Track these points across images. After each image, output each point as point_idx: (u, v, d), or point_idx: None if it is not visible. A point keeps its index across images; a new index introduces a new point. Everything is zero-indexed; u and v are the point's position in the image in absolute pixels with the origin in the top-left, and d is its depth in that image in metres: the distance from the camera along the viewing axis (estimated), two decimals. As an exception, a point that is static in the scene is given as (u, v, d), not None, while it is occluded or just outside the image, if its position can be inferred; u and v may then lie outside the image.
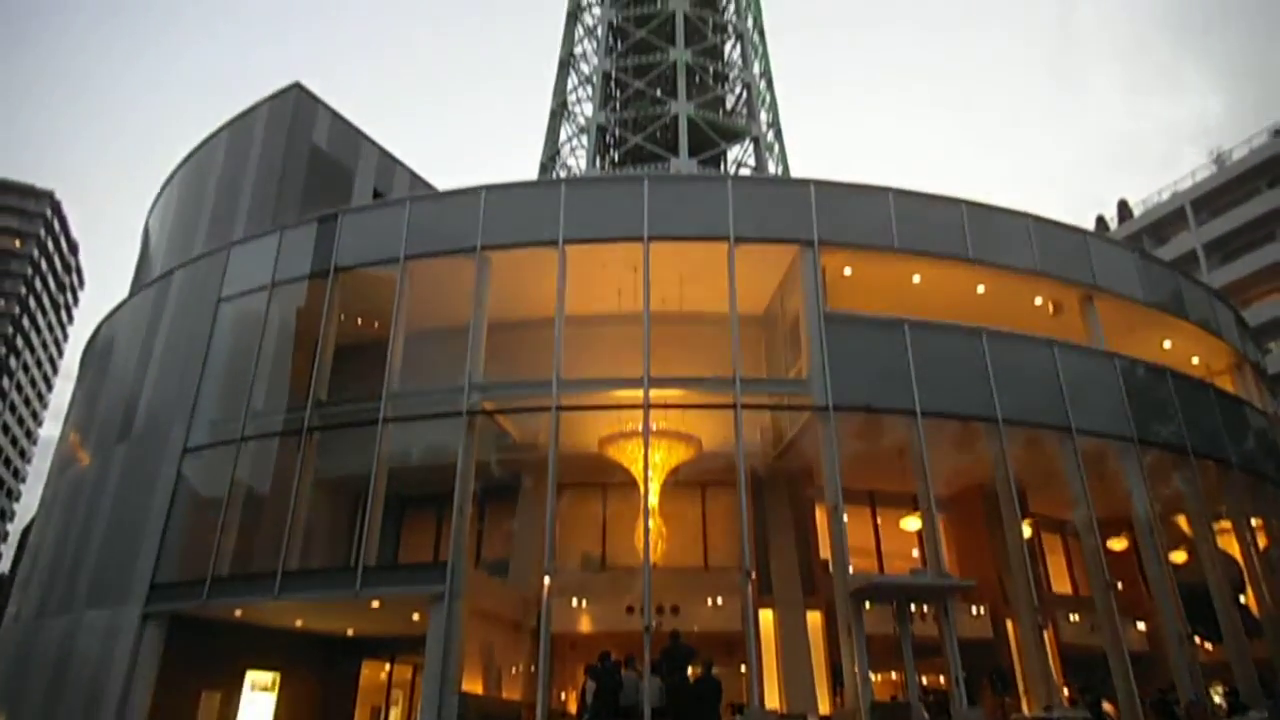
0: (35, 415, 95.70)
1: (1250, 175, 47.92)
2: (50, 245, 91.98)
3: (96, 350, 22.46)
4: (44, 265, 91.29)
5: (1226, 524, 19.09)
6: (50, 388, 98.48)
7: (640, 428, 14.88)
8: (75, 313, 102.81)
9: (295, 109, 23.29)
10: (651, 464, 15.22)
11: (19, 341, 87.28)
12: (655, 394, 14.73)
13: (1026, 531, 16.45)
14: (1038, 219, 18.27)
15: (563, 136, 48.24)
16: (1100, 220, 57.15)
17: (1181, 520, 19.13)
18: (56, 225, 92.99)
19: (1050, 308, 18.26)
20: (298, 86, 23.72)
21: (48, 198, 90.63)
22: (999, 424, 15.33)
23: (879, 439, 15.71)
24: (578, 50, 50.05)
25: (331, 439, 16.09)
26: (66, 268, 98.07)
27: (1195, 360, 21.07)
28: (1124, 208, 56.44)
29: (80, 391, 22.79)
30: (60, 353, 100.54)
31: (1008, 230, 17.90)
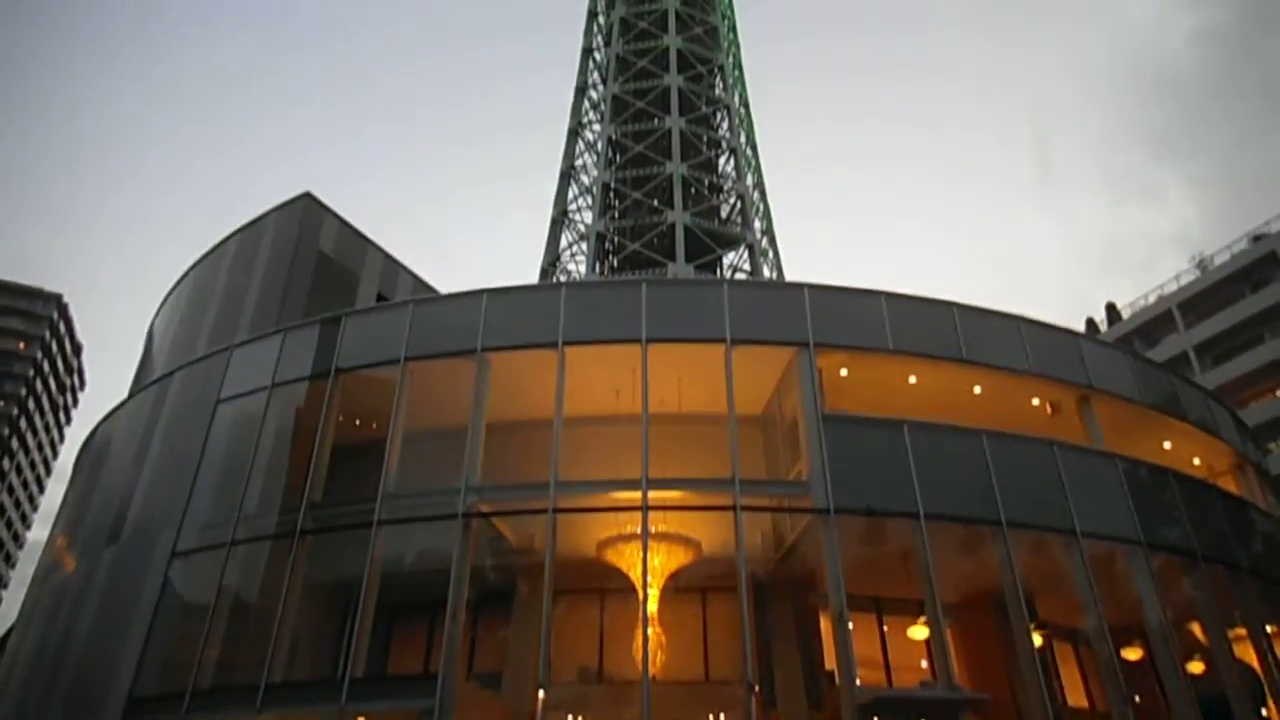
0: (25, 518, 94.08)
1: (1233, 279, 49.10)
2: (54, 347, 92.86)
3: (91, 452, 22.33)
4: (46, 367, 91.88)
5: (1242, 631, 18.51)
6: (42, 490, 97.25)
7: (639, 530, 14.64)
8: (74, 414, 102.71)
9: (304, 217, 24.05)
10: (651, 568, 14.88)
11: (14, 443, 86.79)
12: (654, 495, 14.58)
13: (1038, 641, 15.92)
14: (1028, 321, 18.59)
15: (563, 243, 49.63)
16: (1090, 322, 58.11)
17: (1196, 628, 18.55)
18: (62, 328, 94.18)
19: (1048, 408, 18.31)
20: (308, 196, 24.57)
21: (55, 300, 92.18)
22: (1003, 527, 15.10)
23: (883, 543, 15.44)
24: (579, 163, 52.14)
25: (323, 543, 15.78)
26: (68, 369, 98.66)
27: (1197, 461, 20.96)
28: (1112, 310, 57.54)
29: (71, 494, 22.50)
30: (55, 455, 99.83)
31: (999, 332, 18.18)
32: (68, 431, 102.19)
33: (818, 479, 14.94)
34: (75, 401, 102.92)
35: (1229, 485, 20.89)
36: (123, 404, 22.01)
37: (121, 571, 17.06)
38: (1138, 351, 30.84)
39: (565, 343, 16.15)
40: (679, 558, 15.80)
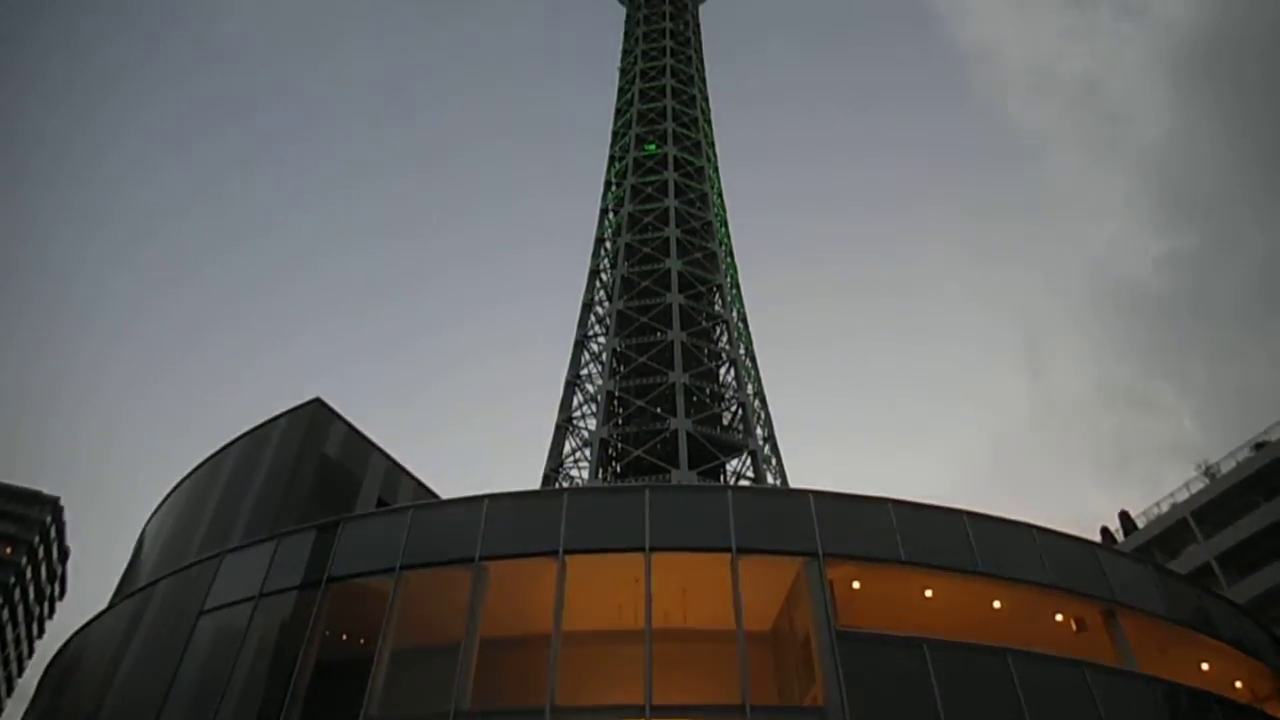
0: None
1: (1245, 486, 48.62)
2: (41, 552, 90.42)
3: (57, 671, 20.96)
4: (29, 574, 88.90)
5: None
6: (1, 710, 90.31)
7: (641, 764, 13.33)
8: (48, 625, 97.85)
9: (312, 422, 24.34)
10: (654, 810, 13.38)
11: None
12: (658, 723, 13.43)
13: None
14: (1042, 530, 18.12)
15: (567, 449, 49.93)
16: (1106, 532, 56.78)
17: None
18: (53, 532, 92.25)
19: (1073, 624, 17.36)
20: (317, 401, 25.03)
21: (51, 504, 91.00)
22: (1040, 761, 13.75)
23: (909, 779, 13.99)
24: (584, 372, 53.73)
25: (295, 776, 14.33)
26: (51, 576, 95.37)
27: (1238, 684, 19.51)
28: (1126, 519, 56.43)
29: (32, 716, 20.83)
30: (20, 671, 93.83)
31: (1013, 542, 17.66)
32: (39, 645, 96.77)
33: (834, 706, 13.83)
34: (52, 612, 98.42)
35: (1275, 710, 19.29)
36: (99, 616, 20.97)
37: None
38: (1159, 563, 29.84)
39: (566, 551, 15.68)
40: (686, 797, 14.28)
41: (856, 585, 16.21)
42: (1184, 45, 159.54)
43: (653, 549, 15.54)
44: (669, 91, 65.30)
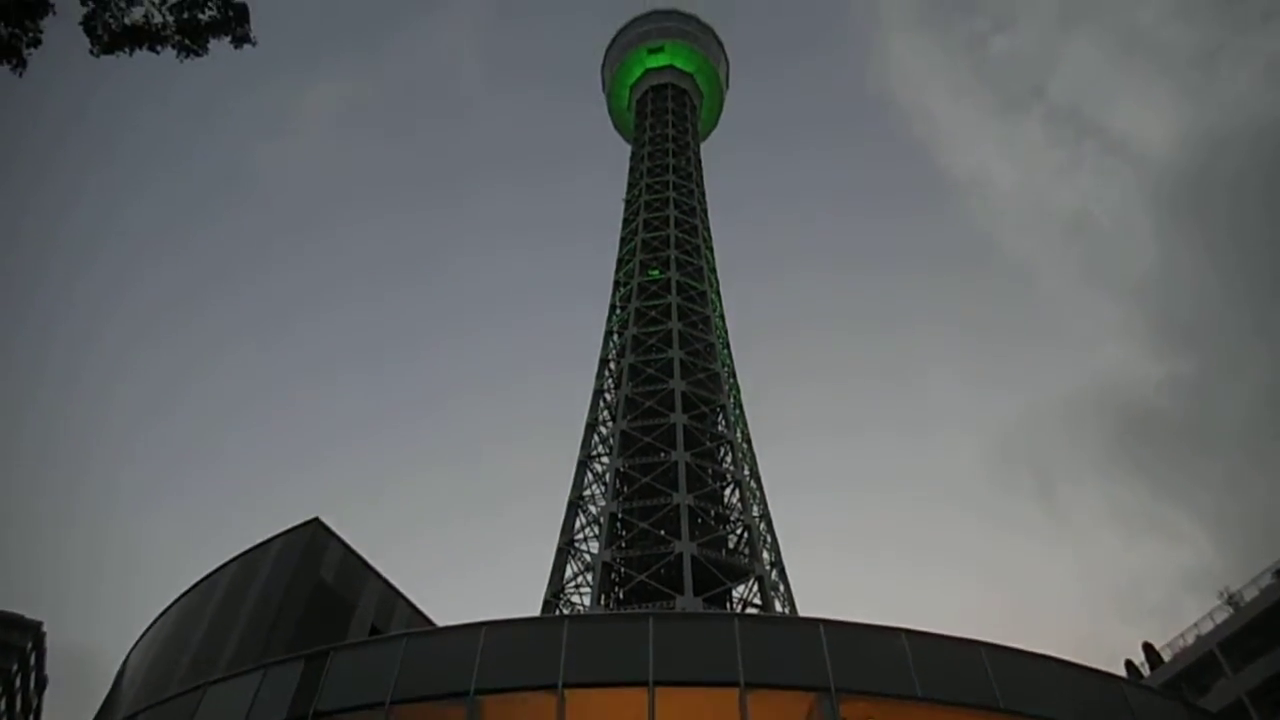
0: None
1: (1271, 615, 46.73)
2: (18, 683, 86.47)
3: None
4: (3, 704, 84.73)
5: None
6: None
7: None
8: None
9: (309, 543, 23.87)
10: None
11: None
12: None
13: None
14: (1063, 663, 17.32)
15: (568, 573, 48.65)
16: (1130, 665, 54.18)
17: None
18: (33, 659, 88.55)
19: (1104, 769, 16.30)
20: (316, 522, 24.63)
21: (33, 630, 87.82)
22: None
23: None
24: (586, 493, 53.11)
25: None
26: (26, 708, 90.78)
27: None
28: (1150, 651, 54.00)
29: None
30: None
31: (1035, 676, 16.84)
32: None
33: None
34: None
35: None
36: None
37: None
38: (1189, 700, 28.31)
39: (566, 685, 14.97)
40: None
41: (872, 723, 15.36)
42: (1164, 182, 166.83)
43: (656, 682, 14.85)
44: (672, 221, 67.93)
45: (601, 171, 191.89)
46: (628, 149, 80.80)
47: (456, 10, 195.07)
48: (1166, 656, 52.34)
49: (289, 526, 24.80)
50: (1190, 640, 50.92)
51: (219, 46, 10.44)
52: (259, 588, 22.94)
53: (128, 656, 25.78)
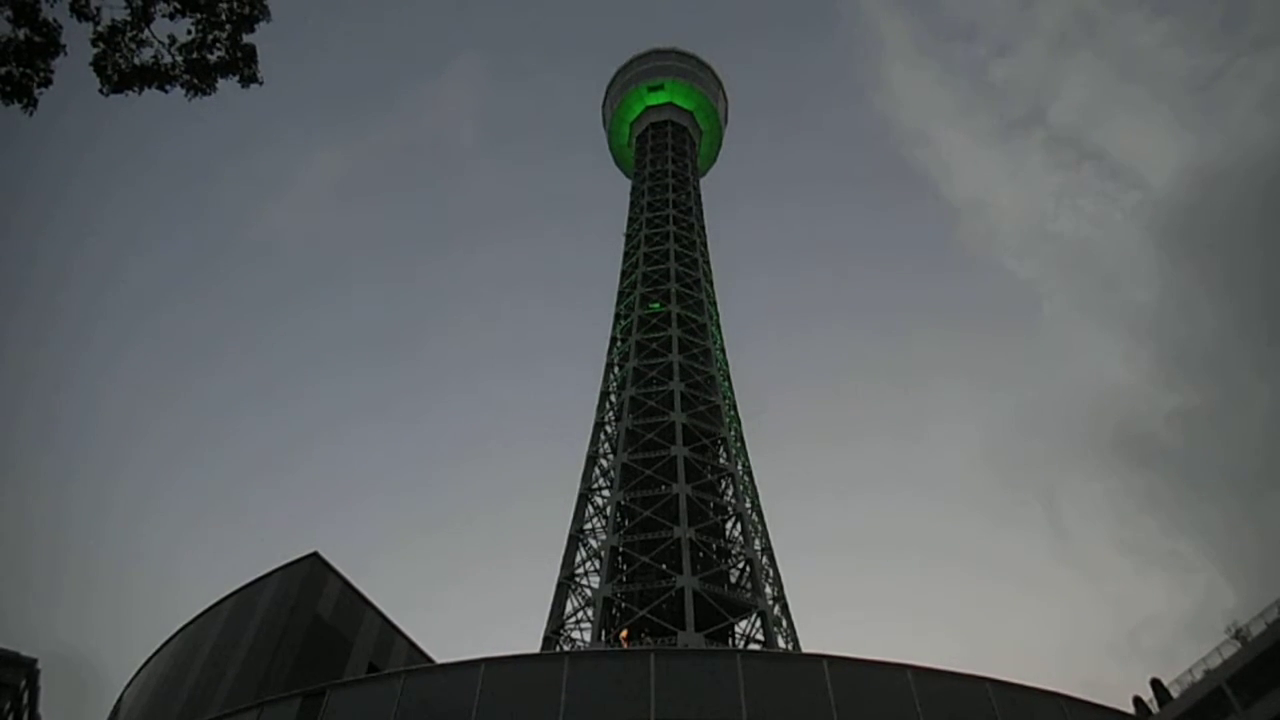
0: None
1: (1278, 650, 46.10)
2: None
3: None
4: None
5: None
6: None
7: None
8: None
9: (307, 579, 23.68)
10: None
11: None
12: None
13: None
14: (1070, 699, 17.10)
15: (569, 609, 48.06)
16: (1138, 702, 53.27)
17: None
18: (25, 698, 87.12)
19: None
20: (314, 556, 24.45)
21: (27, 668, 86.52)
22: None
23: None
24: (588, 526, 52.71)
25: None
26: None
27: None
28: (1158, 687, 53.12)
29: None
30: None
31: (1042, 712, 16.61)
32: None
33: None
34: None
35: None
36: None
37: None
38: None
39: (566, 722, 14.76)
40: None
41: (877, 762, 15.11)
42: (1162, 214, 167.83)
43: (658, 720, 14.64)
44: (672, 255, 68.36)
45: (601, 221, 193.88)
46: (626, 199, 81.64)
47: (453, 73, 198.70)
48: (1175, 693, 51.49)
49: (287, 561, 24.62)
50: (1198, 676, 50.16)
51: (227, 85, 10.61)
52: (256, 623, 22.69)
53: (123, 693, 25.43)
